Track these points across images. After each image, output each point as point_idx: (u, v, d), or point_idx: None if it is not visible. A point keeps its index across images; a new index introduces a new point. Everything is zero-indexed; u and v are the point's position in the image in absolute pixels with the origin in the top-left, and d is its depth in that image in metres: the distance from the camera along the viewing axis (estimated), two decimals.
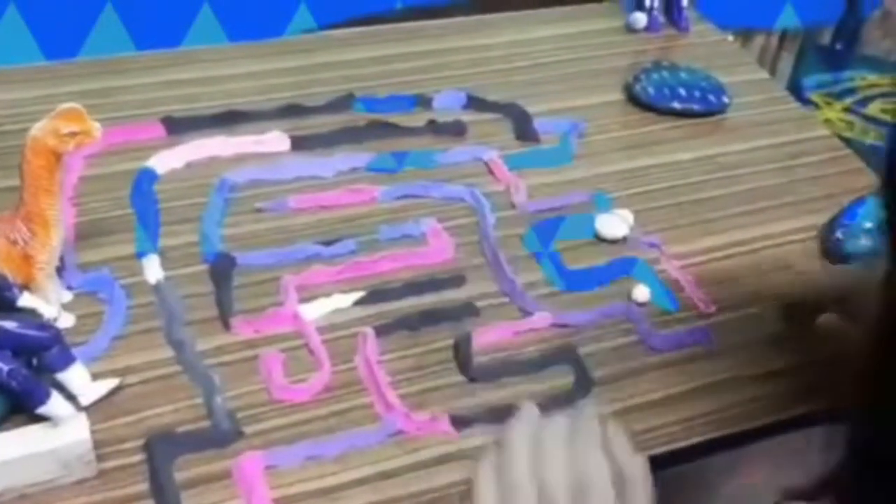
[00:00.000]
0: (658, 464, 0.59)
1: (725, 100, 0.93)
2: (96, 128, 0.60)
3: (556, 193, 0.81)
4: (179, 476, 0.57)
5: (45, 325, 0.58)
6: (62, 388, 0.58)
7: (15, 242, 0.61)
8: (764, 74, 1.03)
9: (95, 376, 0.60)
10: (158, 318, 0.66)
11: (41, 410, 0.56)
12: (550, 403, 0.63)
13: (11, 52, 0.98)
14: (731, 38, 1.09)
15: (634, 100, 0.93)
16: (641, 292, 0.72)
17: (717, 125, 0.92)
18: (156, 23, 1.05)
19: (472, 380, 0.65)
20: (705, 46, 1.04)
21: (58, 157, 0.60)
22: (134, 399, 0.61)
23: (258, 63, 0.91)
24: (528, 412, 0.54)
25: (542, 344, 0.68)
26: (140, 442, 0.58)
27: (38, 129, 0.59)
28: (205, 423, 0.60)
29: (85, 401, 0.59)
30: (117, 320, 0.65)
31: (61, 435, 0.54)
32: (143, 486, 0.56)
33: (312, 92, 0.89)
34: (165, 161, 0.79)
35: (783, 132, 0.92)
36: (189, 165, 0.80)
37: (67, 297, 0.66)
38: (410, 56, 0.95)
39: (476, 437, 0.61)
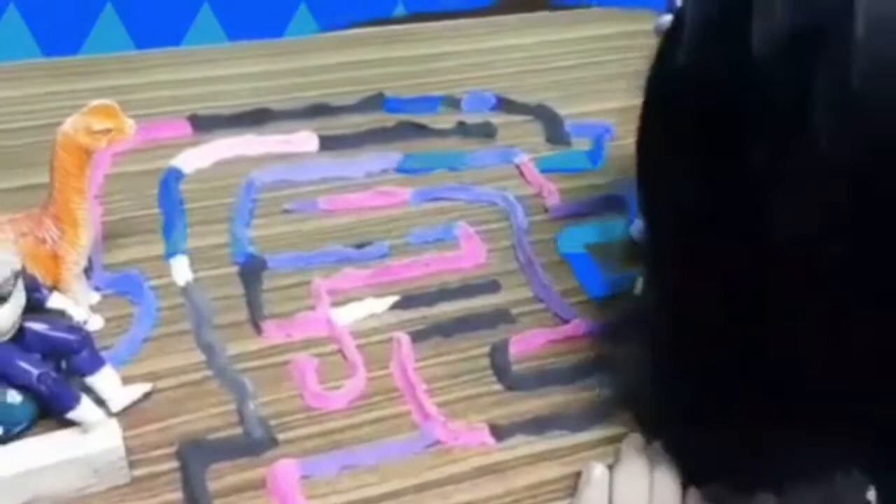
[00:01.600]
0: None
1: None
2: (130, 125, 0.58)
3: (589, 197, 0.79)
4: (212, 485, 0.55)
5: (75, 328, 0.56)
6: (91, 393, 0.56)
7: (43, 241, 0.59)
8: None
9: (125, 380, 0.59)
10: (188, 321, 0.65)
11: (70, 416, 0.54)
12: (592, 415, 0.61)
13: (9, 49, 0.96)
14: None
15: None
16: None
17: None
18: (155, 22, 1.03)
19: (510, 388, 0.63)
20: None
21: (89, 154, 0.58)
22: (164, 404, 0.59)
23: (285, 61, 0.90)
24: (599, 475, 0.55)
25: (580, 353, 0.66)
26: (171, 449, 0.57)
27: (69, 125, 0.57)
28: (237, 431, 0.58)
29: (115, 406, 0.57)
30: (146, 323, 0.64)
31: (93, 441, 0.53)
32: (176, 495, 0.54)
33: (340, 91, 0.87)
34: (192, 160, 0.78)
35: None
36: (216, 164, 0.79)
37: (95, 298, 0.64)
38: (439, 56, 0.94)
39: (517, 448, 0.59)
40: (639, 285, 0.64)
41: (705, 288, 0.50)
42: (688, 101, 0.49)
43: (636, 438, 0.59)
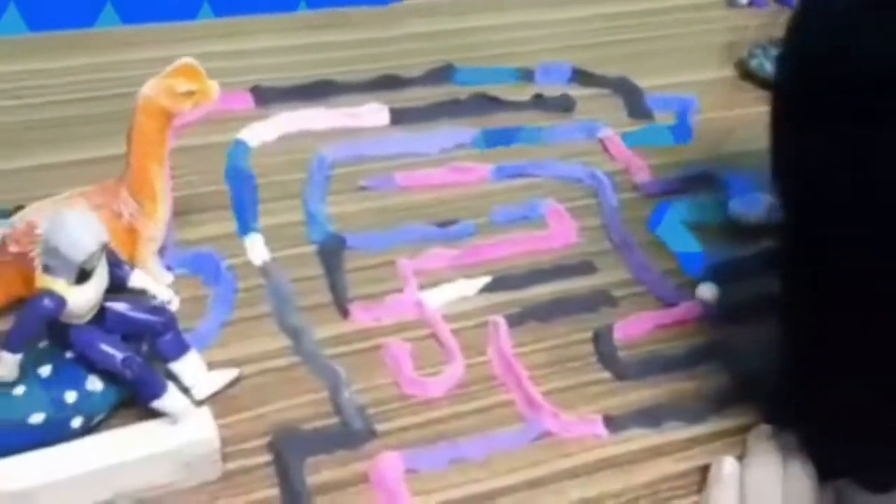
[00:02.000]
0: None
1: None
2: (214, 87, 0.53)
3: (679, 174, 0.75)
4: (310, 479, 0.50)
5: (159, 309, 0.51)
6: (173, 380, 0.52)
7: (119, 215, 0.54)
8: None
9: (207, 367, 0.54)
10: (267, 304, 0.60)
11: (155, 404, 0.49)
12: (709, 405, 0.57)
13: (66, 18, 0.91)
14: None
15: (749, 76, 0.86)
16: (707, 291, 0.64)
17: None
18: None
19: (618, 377, 0.58)
20: None
21: (170, 119, 0.53)
22: (251, 392, 0.54)
23: (349, 32, 0.85)
24: (731, 470, 0.52)
25: (688, 338, 0.61)
26: (262, 441, 0.52)
27: (150, 87, 0.52)
28: (332, 421, 0.54)
29: (200, 394, 0.52)
30: (225, 304, 0.59)
31: (184, 433, 0.48)
32: (272, 492, 0.50)
33: (407, 63, 0.82)
34: (257, 133, 0.73)
35: None
36: (282, 138, 0.74)
37: (168, 278, 0.59)
38: (509, 27, 0.89)
39: (632, 441, 0.55)
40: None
41: (857, 273, 0.45)
42: (847, 78, 0.44)
43: (764, 430, 0.54)
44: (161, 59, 0.76)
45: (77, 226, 0.44)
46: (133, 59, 0.78)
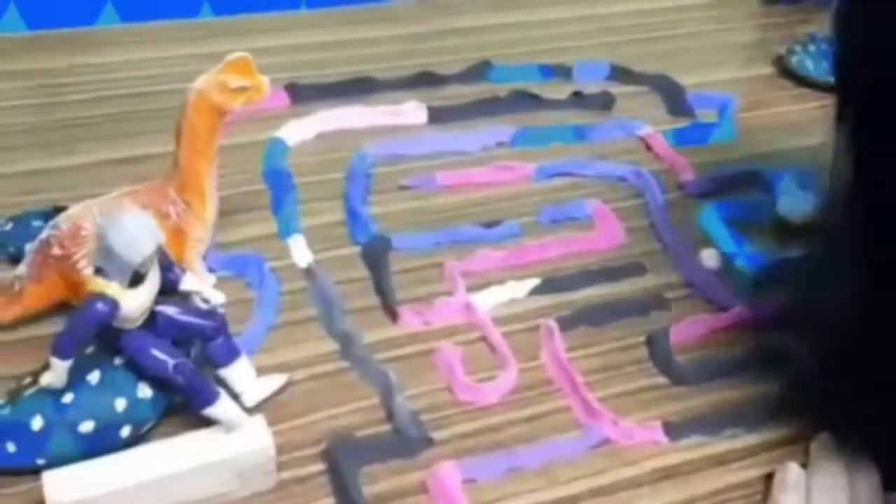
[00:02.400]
0: None
1: None
2: (266, 83, 0.52)
3: (724, 173, 0.73)
4: (367, 490, 0.49)
5: (210, 313, 0.50)
6: (223, 386, 0.50)
7: (167, 216, 0.52)
8: None
9: (255, 372, 0.52)
10: (314, 307, 0.58)
11: (207, 412, 0.47)
12: (769, 412, 0.55)
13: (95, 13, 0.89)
14: None
15: (789, 73, 0.85)
16: (710, 256, 0.64)
17: None
18: None
19: (676, 382, 0.57)
20: None
21: (222, 115, 0.51)
22: (302, 398, 0.53)
23: (384, 28, 0.83)
24: (796, 478, 0.51)
25: (748, 342, 0.59)
26: (315, 449, 0.50)
27: (202, 82, 0.50)
28: (385, 427, 0.52)
29: (250, 400, 0.51)
30: (270, 308, 0.57)
31: (240, 441, 0.46)
32: (328, 501, 0.48)
33: (444, 60, 0.81)
34: (295, 132, 0.71)
35: None
36: (320, 137, 0.72)
37: (211, 280, 0.58)
38: (545, 23, 0.87)
39: (693, 449, 0.53)
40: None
41: None
42: None
43: (827, 438, 0.53)
44: (195, 55, 0.75)
45: (134, 227, 0.43)
46: (167, 55, 0.77)
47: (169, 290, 0.49)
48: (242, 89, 0.51)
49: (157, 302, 0.47)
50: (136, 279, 0.45)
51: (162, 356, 0.46)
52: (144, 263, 0.44)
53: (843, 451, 0.52)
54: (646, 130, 0.76)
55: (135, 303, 0.45)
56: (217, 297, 0.50)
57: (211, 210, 0.54)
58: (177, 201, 0.52)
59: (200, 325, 0.49)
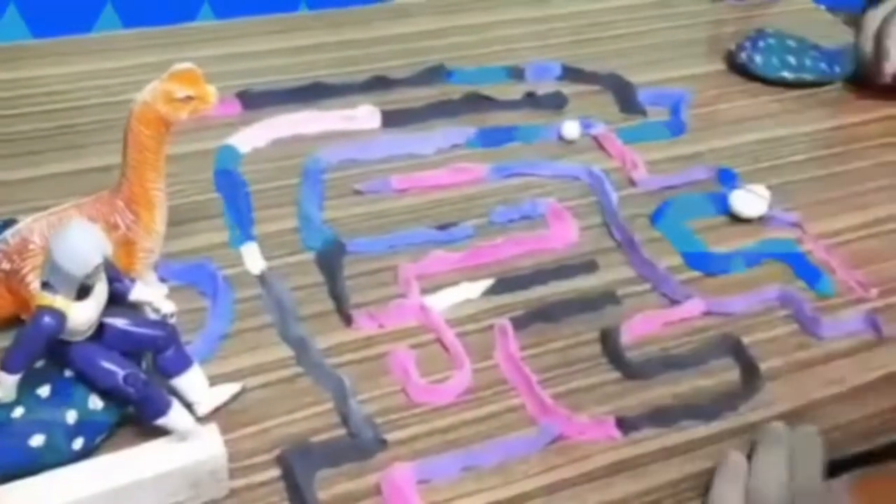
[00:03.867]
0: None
1: (838, 69, 0.86)
2: (212, 93, 0.51)
3: (676, 169, 0.74)
4: (321, 494, 0.49)
5: (160, 323, 0.50)
6: (175, 396, 0.50)
7: (115, 227, 0.52)
8: None
9: (208, 381, 0.52)
10: (268, 314, 0.58)
11: (160, 422, 0.47)
12: (724, 402, 0.56)
13: (46, 26, 0.89)
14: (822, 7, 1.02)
15: (739, 69, 0.86)
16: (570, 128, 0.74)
17: (829, 96, 0.85)
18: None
19: (629, 377, 0.57)
20: (796, 15, 0.97)
21: (168, 126, 0.51)
22: (256, 406, 0.53)
23: (337, 33, 0.84)
24: (734, 466, 0.52)
25: (696, 335, 0.60)
26: (269, 456, 0.50)
27: (148, 93, 0.50)
28: (340, 432, 0.52)
29: (203, 409, 0.51)
30: (224, 316, 0.57)
31: (192, 450, 0.46)
32: None
33: (396, 63, 0.81)
34: (247, 139, 0.71)
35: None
36: (273, 143, 0.72)
37: (163, 291, 0.58)
38: (496, 25, 0.88)
39: (647, 441, 0.54)
40: None
41: None
42: None
43: (774, 427, 0.54)
44: (146, 65, 0.75)
45: (78, 239, 0.42)
46: (118, 66, 0.76)
47: (118, 301, 0.48)
48: (188, 99, 0.51)
49: (106, 314, 0.47)
50: (84, 291, 0.45)
51: (112, 368, 0.46)
52: (91, 275, 0.44)
53: (789, 439, 0.53)
54: (598, 129, 0.76)
55: (83, 315, 0.45)
56: (167, 307, 0.50)
57: (160, 220, 0.54)
58: (125, 212, 0.52)
59: (151, 336, 0.49)
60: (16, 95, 0.74)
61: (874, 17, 0.82)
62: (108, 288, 0.47)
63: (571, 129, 0.74)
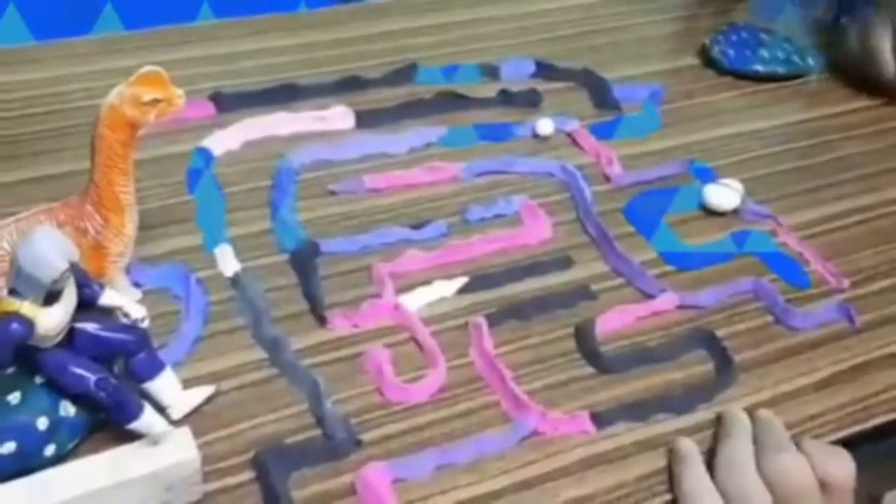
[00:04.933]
0: None
1: (811, 62, 0.86)
2: (179, 95, 0.51)
3: (650, 164, 0.74)
4: (296, 495, 0.49)
5: (131, 328, 0.49)
6: (148, 400, 0.50)
7: (85, 232, 0.52)
8: None
9: (181, 384, 0.52)
10: (241, 316, 0.58)
11: (133, 426, 0.47)
12: (697, 395, 0.56)
13: (13, 33, 0.88)
14: None
15: (712, 63, 0.86)
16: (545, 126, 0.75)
17: (801, 89, 0.86)
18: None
19: (602, 372, 0.57)
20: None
21: (135, 129, 0.51)
22: (229, 408, 0.53)
23: (308, 35, 0.83)
24: (687, 449, 0.53)
25: (670, 328, 0.61)
26: (244, 458, 0.50)
27: (115, 96, 0.50)
28: (315, 433, 0.52)
29: (176, 413, 0.51)
30: (196, 319, 0.57)
31: (165, 454, 0.46)
32: None
33: (369, 64, 0.81)
34: (220, 141, 0.71)
35: (870, 95, 0.85)
36: (246, 145, 0.72)
37: (136, 295, 0.58)
38: (469, 23, 0.88)
39: (621, 436, 0.54)
40: None
41: None
42: None
43: (734, 412, 0.54)
44: (116, 70, 0.75)
45: (44, 244, 0.42)
46: (87, 70, 0.76)
47: (88, 306, 0.48)
48: (155, 102, 0.50)
49: (76, 319, 0.47)
50: (52, 297, 0.45)
51: (82, 373, 0.46)
52: (58, 281, 0.44)
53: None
54: (572, 125, 0.77)
55: (51, 321, 0.45)
56: (138, 312, 0.50)
57: (130, 224, 0.53)
58: (94, 217, 0.52)
59: (122, 340, 0.49)
60: None
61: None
62: (77, 293, 0.47)
63: (545, 126, 0.75)
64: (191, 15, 0.89)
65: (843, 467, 0.51)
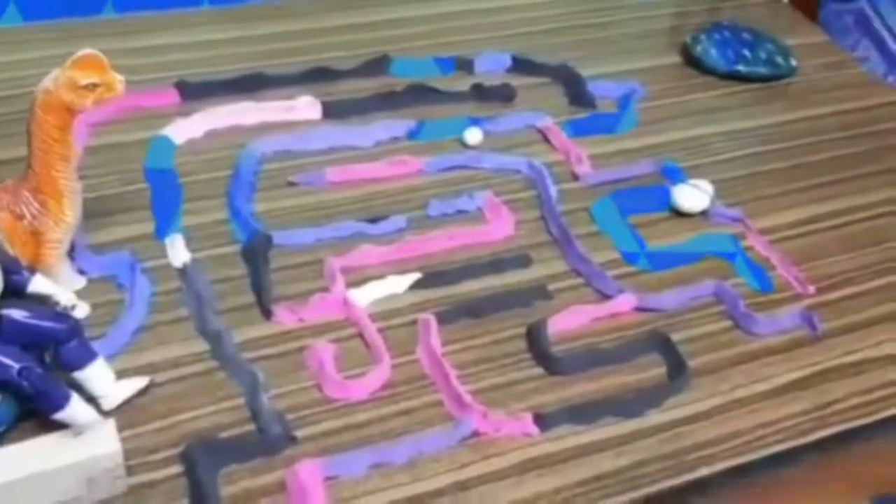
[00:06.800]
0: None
1: (794, 63, 0.84)
2: (119, 80, 0.50)
3: (621, 163, 0.73)
4: (224, 490, 0.48)
5: (62, 315, 0.49)
6: (80, 390, 0.49)
7: (20, 217, 0.51)
8: (824, 37, 0.94)
9: (117, 374, 0.51)
10: (186, 307, 0.57)
11: (59, 416, 0.47)
12: (645, 398, 0.55)
13: None
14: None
15: (694, 62, 0.85)
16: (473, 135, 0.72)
17: (782, 90, 0.84)
18: None
19: (551, 372, 0.56)
20: (757, 8, 0.96)
21: (73, 114, 0.50)
22: (164, 401, 0.52)
23: (278, 24, 0.82)
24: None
25: (625, 330, 0.59)
26: (175, 451, 0.49)
27: (51, 80, 0.49)
28: (249, 427, 0.51)
29: (108, 404, 0.50)
30: (139, 309, 0.56)
31: (87, 445, 0.45)
32: None
33: (341, 55, 0.80)
34: (182, 130, 0.70)
35: (850, 98, 0.84)
36: (209, 134, 0.71)
37: (80, 282, 0.57)
38: (447, 16, 0.87)
39: (564, 438, 0.52)
40: None
41: None
42: None
43: None
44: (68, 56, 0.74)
45: None
46: (39, 56, 0.75)
47: (18, 293, 0.48)
48: (93, 86, 0.49)
49: (3, 305, 0.46)
50: None
51: (6, 361, 0.45)
52: None
53: None
54: (544, 122, 0.75)
55: None
56: (68, 300, 0.49)
57: (70, 211, 0.53)
58: (31, 202, 0.51)
59: (51, 329, 0.48)
60: None
61: None
62: (4, 280, 0.46)
63: (474, 135, 0.72)
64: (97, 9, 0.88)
65: None
